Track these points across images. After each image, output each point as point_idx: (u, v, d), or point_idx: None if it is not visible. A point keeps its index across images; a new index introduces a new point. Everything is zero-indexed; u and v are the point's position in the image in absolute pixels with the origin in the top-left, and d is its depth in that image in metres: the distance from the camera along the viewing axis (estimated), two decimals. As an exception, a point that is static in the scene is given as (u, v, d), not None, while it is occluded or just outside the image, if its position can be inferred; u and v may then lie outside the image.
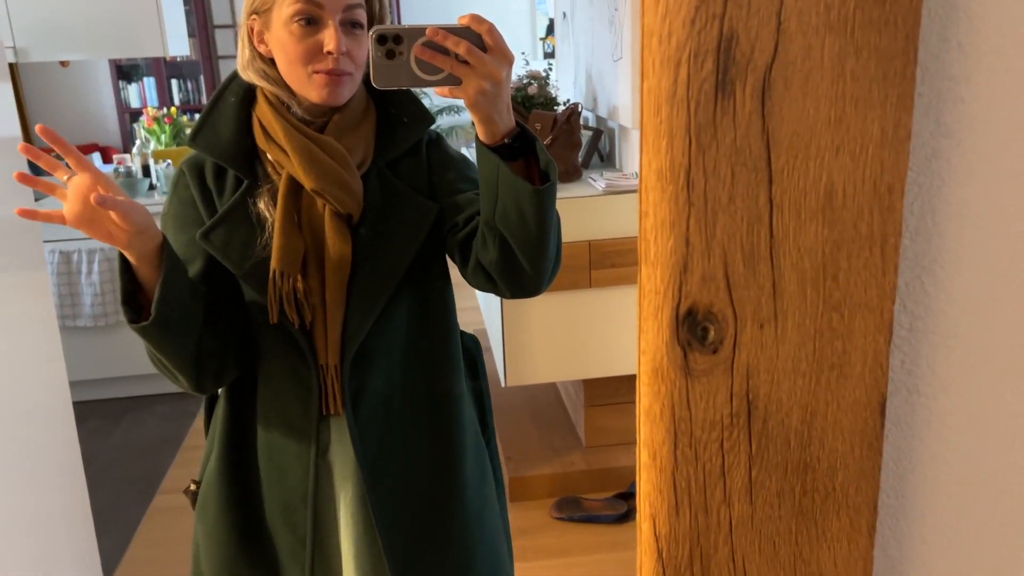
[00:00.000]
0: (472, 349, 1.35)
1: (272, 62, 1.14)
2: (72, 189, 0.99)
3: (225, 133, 1.17)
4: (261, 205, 1.15)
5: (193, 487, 1.30)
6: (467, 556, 1.25)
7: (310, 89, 1.11)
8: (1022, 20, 0.46)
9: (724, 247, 0.44)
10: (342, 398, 1.16)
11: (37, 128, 0.97)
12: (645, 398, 0.47)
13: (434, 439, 1.23)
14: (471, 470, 1.27)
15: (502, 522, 1.36)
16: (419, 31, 0.95)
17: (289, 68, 1.11)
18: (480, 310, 3.50)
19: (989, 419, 0.52)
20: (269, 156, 1.16)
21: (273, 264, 1.12)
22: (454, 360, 1.25)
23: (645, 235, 0.45)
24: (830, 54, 0.42)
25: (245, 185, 1.16)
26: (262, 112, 1.16)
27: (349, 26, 1.10)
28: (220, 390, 1.24)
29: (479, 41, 0.96)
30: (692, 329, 0.45)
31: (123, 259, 1.04)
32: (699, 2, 0.41)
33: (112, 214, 0.97)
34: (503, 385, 2.58)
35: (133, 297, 1.06)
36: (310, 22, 1.08)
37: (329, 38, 1.08)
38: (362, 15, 1.12)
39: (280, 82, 1.14)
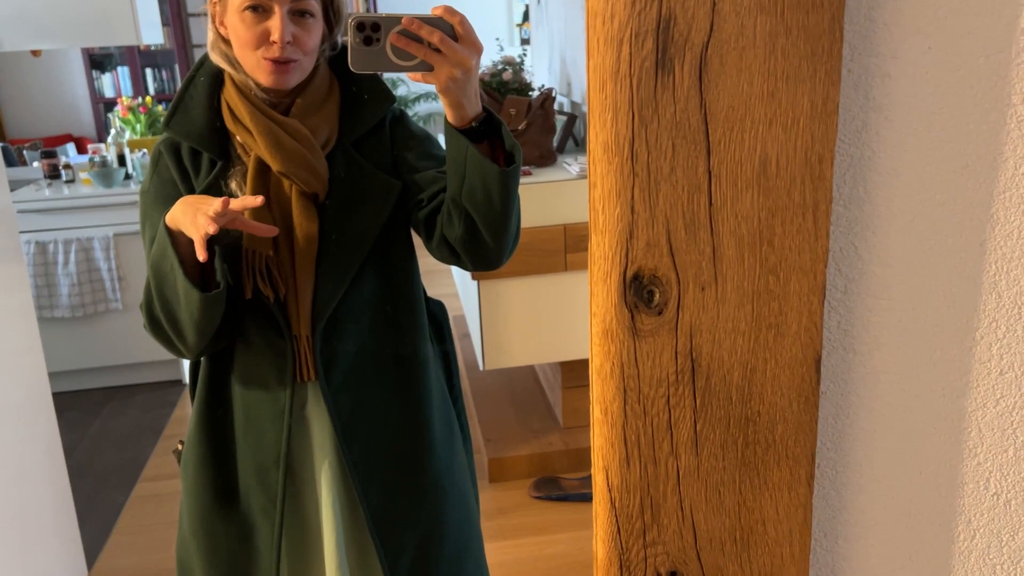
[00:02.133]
0: (438, 314, 1.41)
1: (232, 44, 1.17)
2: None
3: (197, 117, 1.20)
4: (233, 185, 1.19)
5: (180, 447, 1.36)
6: (440, 505, 1.32)
7: (259, 74, 1.15)
8: (939, 2, 0.50)
9: (667, 215, 0.47)
10: (314, 365, 1.21)
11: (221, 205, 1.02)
12: (596, 357, 0.50)
13: (403, 399, 1.29)
14: (439, 426, 1.33)
15: (469, 474, 1.43)
16: (395, 20, 1.00)
17: (240, 52, 1.15)
18: (458, 296, 3.53)
19: (920, 375, 0.56)
20: (238, 138, 1.19)
21: (245, 242, 1.16)
22: (420, 326, 1.31)
23: (594, 204, 0.48)
24: (762, 33, 0.45)
25: (219, 166, 1.20)
26: (229, 95, 1.19)
27: (298, 15, 1.14)
28: None
29: (451, 31, 1.02)
30: (638, 292, 0.49)
31: (170, 236, 1.09)
32: (639, -15, 0.44)
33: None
34: (481, 369, 2.61)
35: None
36: (259, 10, 1.12)
37: (275, 27, 1.12)
38: (312, 5, 1.15)
39: (240, 65, 1.17)
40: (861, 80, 0.51)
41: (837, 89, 0.47)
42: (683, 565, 0.54)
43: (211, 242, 1.10)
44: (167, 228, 1.10)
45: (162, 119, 1.23)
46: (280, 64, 1.13)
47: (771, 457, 0.53)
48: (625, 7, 0.44)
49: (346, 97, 1.25)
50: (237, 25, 1.13)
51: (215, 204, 1.03)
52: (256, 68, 1.15)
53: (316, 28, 1.17)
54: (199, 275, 1.12)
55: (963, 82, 0.51)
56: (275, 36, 1.11)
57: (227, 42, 1.18)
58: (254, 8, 1.11)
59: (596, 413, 0.51)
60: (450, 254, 1.21)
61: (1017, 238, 0.53)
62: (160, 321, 1.17)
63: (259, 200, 1.05)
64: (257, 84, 1.18)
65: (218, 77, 1.22)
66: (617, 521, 0.52)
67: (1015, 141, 0.52)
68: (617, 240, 0.48)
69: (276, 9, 1.11)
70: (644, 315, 0.49)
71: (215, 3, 1.17)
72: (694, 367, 0.50)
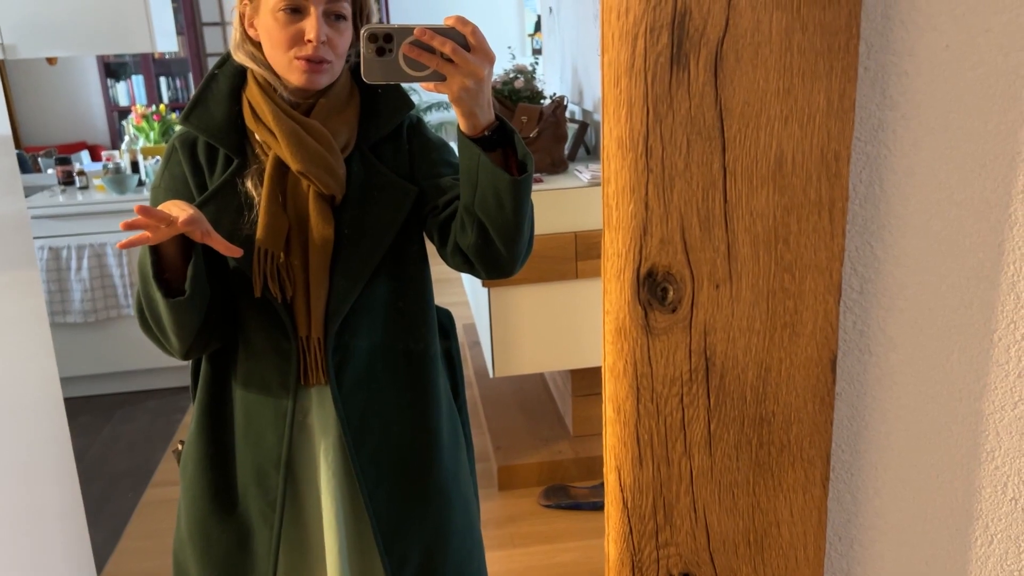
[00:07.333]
0: (445, 321, 1.41)
1: (260, 45, 1.18)
2: (172, 229, 1.05)
3: (217, 113, 1.21)
4: (249, 184, 1.20)
5: (179, 447, 1.36)
6: (445, 513, 1.31)
7: (291, 74, 1.16)
8: (954, 1, 0.49)
9: (681, 211, 0.47)
10: (325, 369, 1.21)
11: (136, 208, 1.03)
12: (609, 356, 0.50)
13: (412, 402, 1.29)
14: (446, 433, 1.33)
15: (473, 485, 1.43)
16: (408, 30, 1.01)
17: (273, 52, 1.16)
18: (468, 304, 3.53)
19: (936, 376, 0.55)
20: (257, 137, 1.20)
21: (258, 241, 1.17)
22: (430, 329, 1.31)
23: (608, 201, 0.48)
24: (778, 29, 0.45)
25: (235, 164, 1.21)
26: (252, 94, 1.20)
27: (332, 17, 1.16)
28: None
29: (463, 41, 1.02)
30: (652, 289, 0.48)
31: None
32: (654, -20, 0.44)
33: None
34: (491, 376, 2.60)
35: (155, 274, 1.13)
36: (295, 11, 1.14)
37: (311, 27, 1.13)
38: (345, 8, 1.17)
39: (267, 65, 1.18)
40: (878, 78, 0.50)
41: (854, 86, 0.47)
42: (696, 567, 0.53)
43: (188, 248, 1.12)
44: None
45: (178, 121, 1.24)
46: (314, 64, 1.15)
47: (785, 458, 0.52)
48: (640, 1, 0.44)
49: (366, 102, 1.26)
50: (271, 25, 1.15)
51: (196, 215, 1.06)
52: (288, 68, 1.16)
53: (347, 31, 1.19)
54: (181, 279, 1.13)
55: (981, 80, 0.51)
56: (311, 35, 1.13)
57: (254, 43, 1.19)
58: (291, 9, 1.13)
59: (609, 412, 0.51)
60: (463, 262, 1.21)
61: (1036, 238, 0.53)
62: (147, 319, 1.18)
63: (238, 252, 1.10)
64: (284, 85, 1.19)
65: (240, 76, 1.23)
66: (629, 521, 0.51)
67: (1033, 140, 0.51)
68: (631, 237, 0.47)
69: (312, 10, 1.13)
70: (658, 313, 0.49)
71: (246, 4, 1.18)
72: (708, 366, 0.49)
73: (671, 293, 0.48)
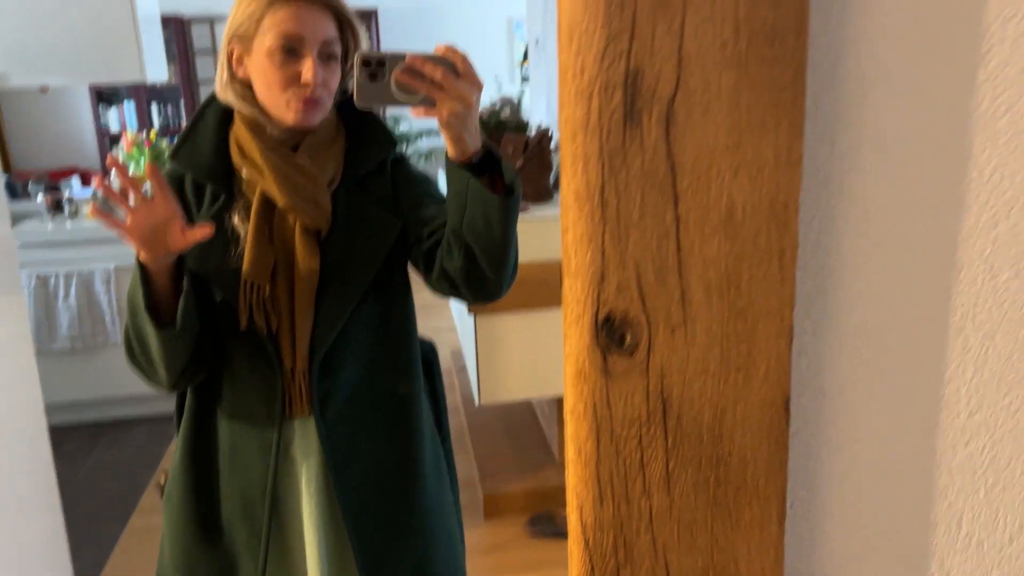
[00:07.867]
0: (428, 354, 1.43)
1: (248, 84, 1.20)
2: (149, 210, 1.08)
3: (204, 151, 1.24)
4: (236, 219, 1.22)
5: (162, 481, 1.37)
6: (427, 544, 1.33)
7: (286, 113, 1.19)
8: (902, 54, 0.52)
9: (636, 259, 0.49)
10: (309, 400, 1.23)
11: (108, 161, 1.06)
12: (570, 398, 0.51)
13: (395, 434, 1.30)
14: (429, 464, 1.35)
15: (456, 516, 1.44)
16: (400, 57, 1.04)
17: (267, 92, 1.19)
18: (455, 330, 3.54)
19: (889, 416, 0.57)
20: (243, 173, 1.22)
21: (244, 274, 1.18)
22: (414, 361, 1.33)
23: (567, 249, 0.50)
24: (727, 87, 0.47)
25: (221, 200, 1.22)
26: (239, 132, 1.23)
27: (325, 58, 1.19)
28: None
29: (453, 68, 1.04)
30: (610, 334, 0.50)
31: (142, 271, 1.13)
32: (607, 41, 0.46)
33: (170, 239, 1.09)
34: (478, 403, 2.61)
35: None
36: (290, 52, 1.16)
37: (307, 69, 1.16)
38: (337, 49, 1.21)
39: (255, 104, 1.20)
40: (826, 131, 0.53)
41: (800, 140, 0.49)
42: (657, 604, 0.54)
43: (178, 272, 1.14)
44: (139, 261, 1.13)
45: (167, 153, 1.28)
46: (309, 103, 1.18)
47: (742, 497, 0.53)
48: (595, 62, 0.46)
49: (351, 139, 1.29)
50: (265, 66, 1.17)
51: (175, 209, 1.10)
52: (284, 108, 1.19)
53: (338, 71, 1.23)
54: (171, 311, 1.14)
55: (925, 132, 0.53)
56: (308, 78, 1.16)
57: (242, 82, 1.22)
58: (288, 51, 1.16)
59: (570, 452, 0.52)
60: (450, 287, 1.23)
61: (982, 283, 0.55)
62: (135, 352, 1.20)
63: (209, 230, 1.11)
64: (274, 123, 1.22)
65: (226, 114, 1.25)
66: (591, 560, 0.53)
67: (977, 189, 0.53)
68: (589, 283, 0.49)
69: (308, 52, 1.16)
70: (616, 356, 0.50)
71: (235, 44, 1.20)
72: (665, 408, 0.51)
73: (628, 337, 0.50)
